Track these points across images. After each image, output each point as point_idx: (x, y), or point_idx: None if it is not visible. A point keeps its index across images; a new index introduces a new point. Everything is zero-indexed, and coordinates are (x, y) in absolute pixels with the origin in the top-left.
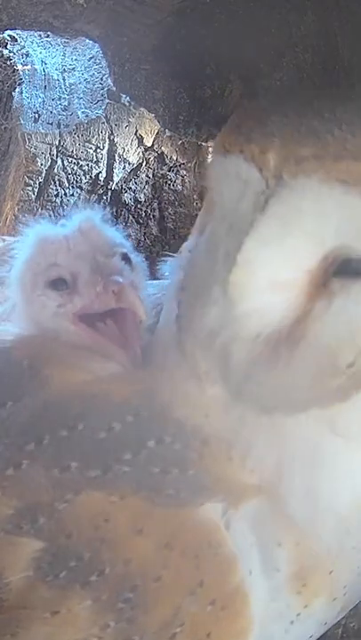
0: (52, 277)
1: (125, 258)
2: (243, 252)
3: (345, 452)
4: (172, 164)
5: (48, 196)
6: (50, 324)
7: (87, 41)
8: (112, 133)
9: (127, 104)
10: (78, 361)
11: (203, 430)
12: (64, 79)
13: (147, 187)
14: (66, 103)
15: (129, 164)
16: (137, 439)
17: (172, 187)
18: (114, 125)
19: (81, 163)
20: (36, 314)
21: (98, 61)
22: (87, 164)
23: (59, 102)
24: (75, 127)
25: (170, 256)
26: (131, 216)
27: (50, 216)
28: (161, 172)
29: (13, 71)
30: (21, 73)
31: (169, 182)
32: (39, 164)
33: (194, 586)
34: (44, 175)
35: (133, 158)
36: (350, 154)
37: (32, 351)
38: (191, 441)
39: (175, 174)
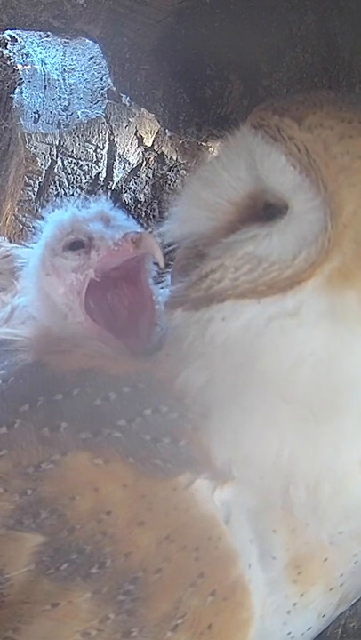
0: (69, 241)
1: None
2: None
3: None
4: (172, 164)
5: (48, 196)
6: (61, 300)
7: (87, 41)
8: (112, 133)
9: (127, 104)
10: (77, 347)
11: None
12: (64, 79)
13: (147, 187)
14: (66, 103)
15: (129, 164)
16: (133, 408)
17: (172, 187)
18: (114, 125)
19: (81, 163)
20: (50, 287)
21: (98, 61)
22: (87, 164)
23: (59, 102)
24: (75, 127)
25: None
26: (131, 216)
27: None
28: (161, 172)
29: (13, 71)
30: (21, 73)
31: (169, 182)
32: (39, 163)
33: (194, 578)
34: (44, 175)
35: (133, 158)
36: (272, 106)
37: (37, 347)
38: (188, 412)
39: (175, 174)
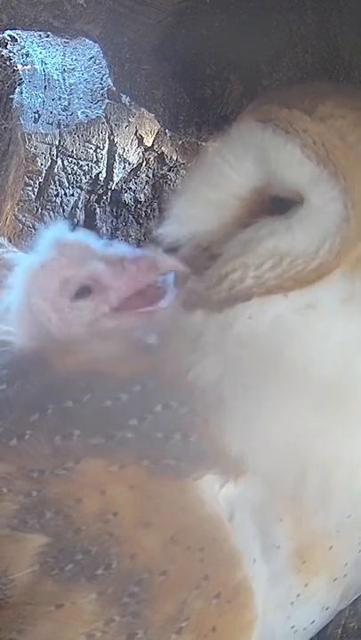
0: (74, 291)
1: None
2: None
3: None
4: (172, 164)
5: (48, 196)
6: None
7: (87, 41)
8: (112, 133)
9: (127, 104)
10: (83, 346)
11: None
12: (64, 79)
13: (147, 187)
14: (66, 103)
15: (129, 164)
16: (144, 406)
17: (172, 187)
18: (114, 125)
19: (81, 163)
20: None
21: (98, 61)
22: (87, 164)
23: (59, 102)
24: (75, 127)
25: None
26: (131, 216)
27: (50, 216)
28: (161, 172)
29: (13, 71)
30: (21, 73)
31: (169, 182)
32: (39, 163)
33: (199, 580)
34: (44, 175)
35: (133, 158)
36: (276, 100)
37: (39, 344)
38: (198, 405)
39: (175, 174)
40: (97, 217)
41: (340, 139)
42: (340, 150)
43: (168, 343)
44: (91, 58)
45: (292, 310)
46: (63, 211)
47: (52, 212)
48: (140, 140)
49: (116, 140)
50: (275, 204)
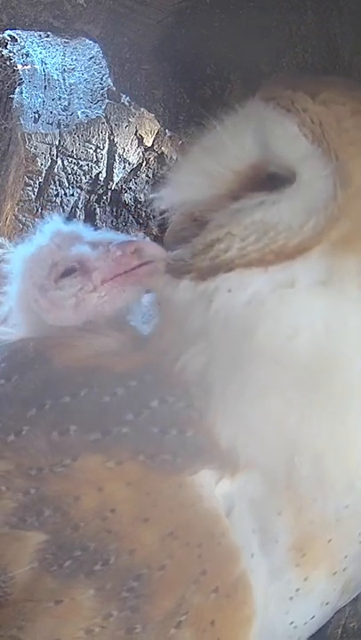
0: (60, 272)
1: None
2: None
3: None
4: (172, 164)
5: (48, 196)
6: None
7: (87, 41)
8: (112, 133)
9: (127, 104)
10: (80, 341)
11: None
12: (64, 79)
13: (147, 187)
14: (66, 103)
15: (129, 164)
16: (140, 401)
17: None
18: (114, 125)
19: (81, 163)
20: (56, 321)
21: (98, 61)
22: (87, 164)
23: (59, 102)
24: (75, 127)
25: None
26: (131, 216)
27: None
28: (161, 172)
29: (13, 71)
30: (21, 73)
31: None
32: (39, 163)
33: (197, 575)
34: (44, 175)
35: (133, 158)
36: (283, 82)
37: (37, 338)
38: (195, 400)
39: None
40: (97, 217)
41: (336, 121)
42: (336, 131)
43: (162, 333)
44: (91, 58)
45: (270, 286)
46: (63, 211)
47: (51, 212)
48: (140, 139)
49: (116, 140)
50: (269, 183)
